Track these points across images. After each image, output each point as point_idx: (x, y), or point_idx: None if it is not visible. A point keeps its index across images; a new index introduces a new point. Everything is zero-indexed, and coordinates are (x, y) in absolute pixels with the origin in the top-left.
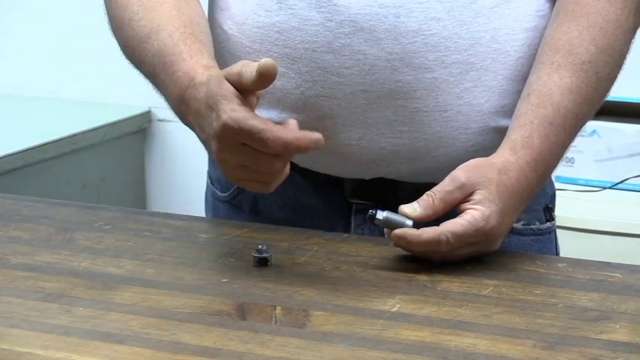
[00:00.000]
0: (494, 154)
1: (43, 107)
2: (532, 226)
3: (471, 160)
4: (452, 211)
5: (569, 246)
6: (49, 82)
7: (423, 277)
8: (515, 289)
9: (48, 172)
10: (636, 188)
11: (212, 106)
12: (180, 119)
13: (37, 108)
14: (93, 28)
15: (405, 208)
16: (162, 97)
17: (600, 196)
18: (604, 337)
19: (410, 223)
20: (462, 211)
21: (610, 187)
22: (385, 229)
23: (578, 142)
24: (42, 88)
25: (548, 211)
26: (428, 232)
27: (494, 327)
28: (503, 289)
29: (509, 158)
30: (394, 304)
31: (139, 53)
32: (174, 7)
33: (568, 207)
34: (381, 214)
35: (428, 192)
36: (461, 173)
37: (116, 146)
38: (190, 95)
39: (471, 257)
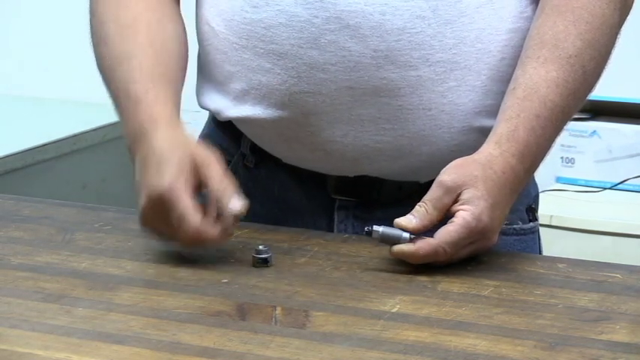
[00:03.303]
0: (478, 150)
1: (43, 107)
2: (515, 226)
3: (453, 162)
4: (445, 216)
5: (569, 246)
6: (49, 82)
7: (423, 278)
8: (515, 290)
9: (48, 172)
10: (636, 189)
11: (161, 164)
12: (128, 151)
13: (37, 108)
14: None
15: (401, 221)
16: (121, 122)
17: (600, 196)
18: (604, 337)
19: (407, 235)
20: (453, 214)
21: (610, 188)
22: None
23: (579, 142)
24: (42, 88)
25: (531, 212)
26: (424, 248)
27: (494, 327)
28: (504, 290)
29: (492, 152)
30: (394, 305)
31: (108, 77)
32: (147, 37)
33: (568, 207)
34: (377, 229)
35: (420, 202)
36: (445, 177)
37: (117, 147)
38: (146, 140)
39: (471, 257)
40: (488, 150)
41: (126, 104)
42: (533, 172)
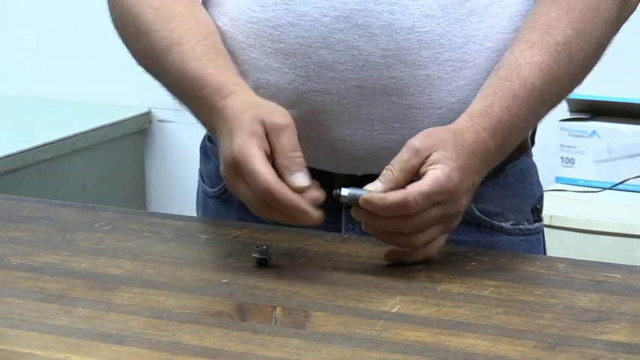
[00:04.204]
0: (452, 122)
1: (43, 107)
2: (520, 227)
3: (426, 129)
4: (412, 179)
5: (569, 246)
6: (49, 82)
7: (423, 278)
8: (515, 290)
9: (48, 172)
10: (636, 189)
11: (232, 132)
12: (210, 132)
13: (37, 108)
14: (93, 28)
15: (368, 187)
16: (187, 109)
17: (600, 196)
18: (604, 337)
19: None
20: (423, 174)
21: (610, 188)
22: (352, 209)
23: (579, 142)
24: (42, 88)
25: (537, 212)
26: (394, 195)
27: (494, 327)
28: (504, 290)
29: (464, 123)
30: (394, 305)
31: (160, 65)
32: (191, 17)
33: (568, 207)
34: (345, 191)
35: (387, 166)
36: (415, 140)
37: (116, 147)
38: (219, 112)
39: (471, 257)
40: (461, 121)
41: (189, 88)
42: (505, 152)
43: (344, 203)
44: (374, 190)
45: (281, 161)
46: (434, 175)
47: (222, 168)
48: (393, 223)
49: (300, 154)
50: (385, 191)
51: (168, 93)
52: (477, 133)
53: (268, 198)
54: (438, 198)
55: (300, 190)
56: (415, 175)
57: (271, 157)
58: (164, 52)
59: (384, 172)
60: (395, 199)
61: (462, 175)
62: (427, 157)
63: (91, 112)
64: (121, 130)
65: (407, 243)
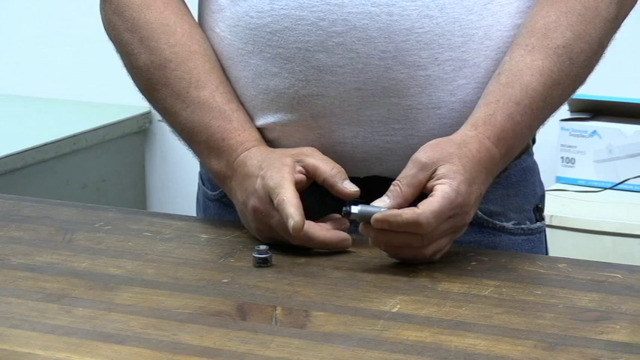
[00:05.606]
0: (455, 132)
1: (43, 107)
2: (523, 226)
3: (430, 141)
4: (421, 193)
5: (569, 246)
6: (49, 82)
7: (423, 278)
8: (515, 290)
9: (48, 172)
10: (636, 189)
11: (262, 168)
12: (219, 182)
13: (37, 108)
14: (93, 28)
15: (376, 203)
16: (194, 153)
17: (600, 196)
18: (604, 337)
19: (385, 210)
20: (431, 189)
21: (610, 188)
22: (361, 225)
23: (579, 142)
24: (42, 88)
25: (539, 211)
26: (407, 213)
27: (494, 327)
28: (504, 290)
29: (467, 133)
30: (394, 305)
31: (173, 103)
32: (207, 58)
33: (568, 207)
34: (355, 209)
35: (394, 182)
36: (421, 154)
37: (116, 147)
38: (241, 162)
39: (472, 257)
40: (464, 131)
41: (205, 134)
42: (510, 158)
43: (354, 220)
44: (382, 205)
45: (327, 173)
46: (443, 192)
47: (249, 203)
48: (404, 238)
49: (338, 164)
50: (393, 207)
51: (171, 128)
52: (481, 143)
53: (301, 226)
54: (449, 214)
55: (353, 195)
56: (422, 189)
57: (309, 181)
58: (181, 92)
59: (392, 187)
60: (407, 218)
61: (469, 188)
62: (434, 172)
63: (91, 112)
64: (121, 130)
65: (416, 255)
